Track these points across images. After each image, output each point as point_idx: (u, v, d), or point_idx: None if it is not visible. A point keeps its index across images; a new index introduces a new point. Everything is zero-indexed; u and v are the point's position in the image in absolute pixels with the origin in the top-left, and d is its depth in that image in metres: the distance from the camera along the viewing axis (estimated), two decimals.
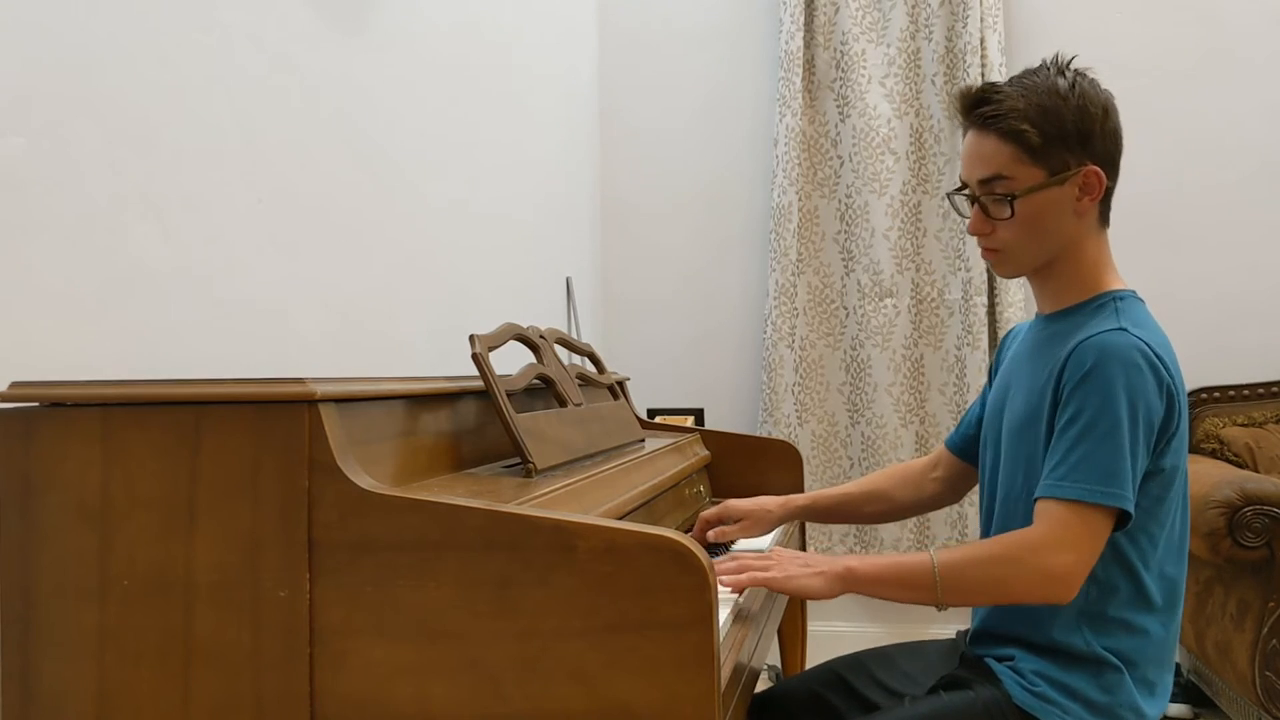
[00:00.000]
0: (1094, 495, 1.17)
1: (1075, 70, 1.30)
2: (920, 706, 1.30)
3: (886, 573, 1.22)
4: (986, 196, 1.30)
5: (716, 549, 1.57)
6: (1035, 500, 1.22)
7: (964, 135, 1.34)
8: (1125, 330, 1.21)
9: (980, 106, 1.29)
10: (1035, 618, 1.27)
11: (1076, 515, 1.17)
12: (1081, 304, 1.32)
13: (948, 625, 3.13)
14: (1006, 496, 1.35)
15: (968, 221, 1.34)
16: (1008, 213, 1.28)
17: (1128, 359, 1.19)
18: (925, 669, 1.45)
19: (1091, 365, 1.19)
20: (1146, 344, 1.20)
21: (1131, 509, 1.18)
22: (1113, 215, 1.40)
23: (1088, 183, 1.28)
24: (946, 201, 3.11)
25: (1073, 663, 1.24)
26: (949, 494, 1.60)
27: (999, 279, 3.05)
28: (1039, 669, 1.25)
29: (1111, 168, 1.31)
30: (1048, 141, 1.26)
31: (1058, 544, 1.17)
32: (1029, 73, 1.30)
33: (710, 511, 1.59)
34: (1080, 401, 1.20)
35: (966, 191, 1.33)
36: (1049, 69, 1.30)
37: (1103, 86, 1.31)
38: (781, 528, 1.77)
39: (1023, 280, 3.04)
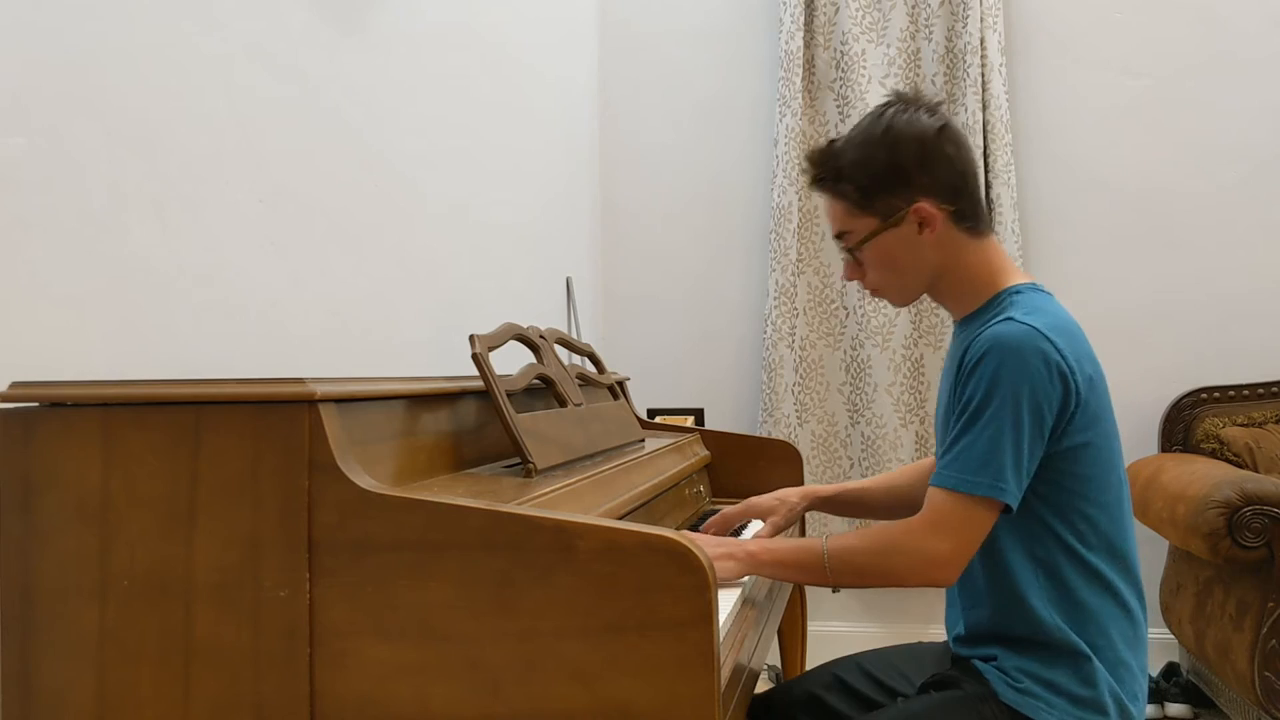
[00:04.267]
0: (966, 485, 1.20)
1: (895, 108, 1.34)
2: (911, 705, 1.32)
3: (782, 556, 1.28)
4: (843, 250, 1.40)
5: None
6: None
7: None
8: (1013, 319, 1.24)
9: (811, 169, 1.38)
10: (1011, 614, 1.29)
11: (954, 503, 1.21)
12: (982, 307, 1.36)
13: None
14: None
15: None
16: (857, 261, 1.38)
17: (1012, 347, 1.21)
18: (920, 670, 1.46)
19: (979, 357, 1.23)
20: (1035, 328, 1.22)
21: (1008, 499, 1.20)
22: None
23: (922, 218, 1.32)
24: None
25: (1053, 656, 1.26)
26: None
27: None
28: (1022, 666, 1.27)
29: (950, 192, 1.33)
30: (866, 193, 1.33)
31: (934, 530, 1.21)
32: (860, 122, 1.37)
33: (733, 509, 1.61)
34: (969, 393, 1.24)
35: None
36: (872, 117, 1.35)
37: (926, 118, 1.33)
38: None
39: None
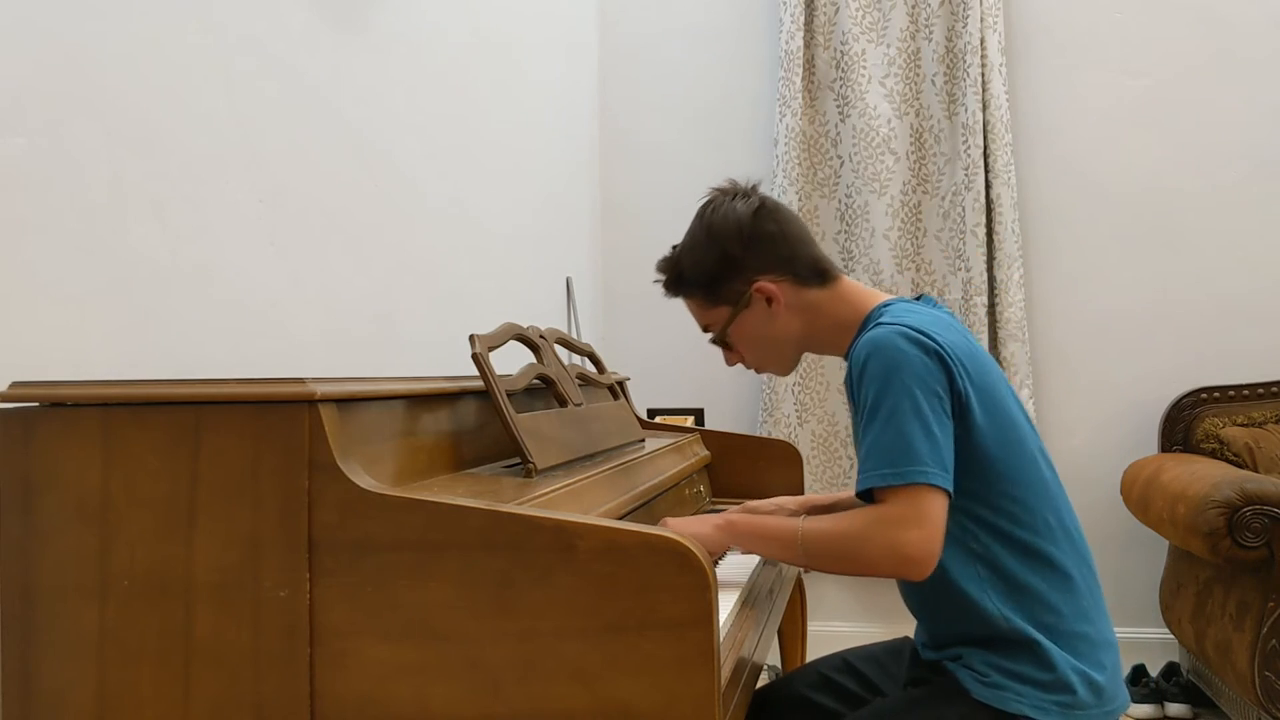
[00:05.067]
0: (889, 478, 1.21)
1: (712, 205, 1.44)
2: (890, 703, 1.34)
3: (760, 530, 1.32)
4: (713, 341, 1.49)
5: None
6: (858, 492, 1.26)
7: None
8: (879, 324, 1.29)
9: (661, 279, 1.48)
10: (963, 617, 1.29)
11: (892, 496, 1.21)
12: (856, 335, 1.40)
13: None
14: None
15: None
16: (730, 347, 1.47)
17: (885, 343, 1.25)
18: (903, 666, 1.48)
19: (860, 364, 1.27)
20: (900, 324, 1.26)
21: (935, 480, 1.20)
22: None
23: (766, 295, 1.41)
24: (946, 202, 3.11)
25: (1009, 647, 1.26)
26: None
27: (1000, 279, 3.05)
28: (987, 660, 1.28)
29: (782, 264, 1.41)
30: (709, 289, 1.43)
31: (903, 521, 1.20)
32: (689, 227, 1.46)
33: (732, 511, 1.61)
34: (861, 398, 1.27)
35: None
36: (697, 216, 1.45)
37: (740, 206, 1.42)
38: None
39: (1022, 281, 3.05)
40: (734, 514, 1.35)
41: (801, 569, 1.30)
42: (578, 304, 2.99)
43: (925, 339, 1.24)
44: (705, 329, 1.48)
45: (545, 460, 1.27)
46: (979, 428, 1.26)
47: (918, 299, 1.42)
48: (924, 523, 1.20)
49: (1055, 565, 1.28)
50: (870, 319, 1.37)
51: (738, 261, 1.40)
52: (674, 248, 1.48)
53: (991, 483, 1.27)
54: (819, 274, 1.42)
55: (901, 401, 1.22)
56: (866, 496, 1.25)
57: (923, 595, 1.35)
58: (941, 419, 1.23)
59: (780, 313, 1.41)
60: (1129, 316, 3.09)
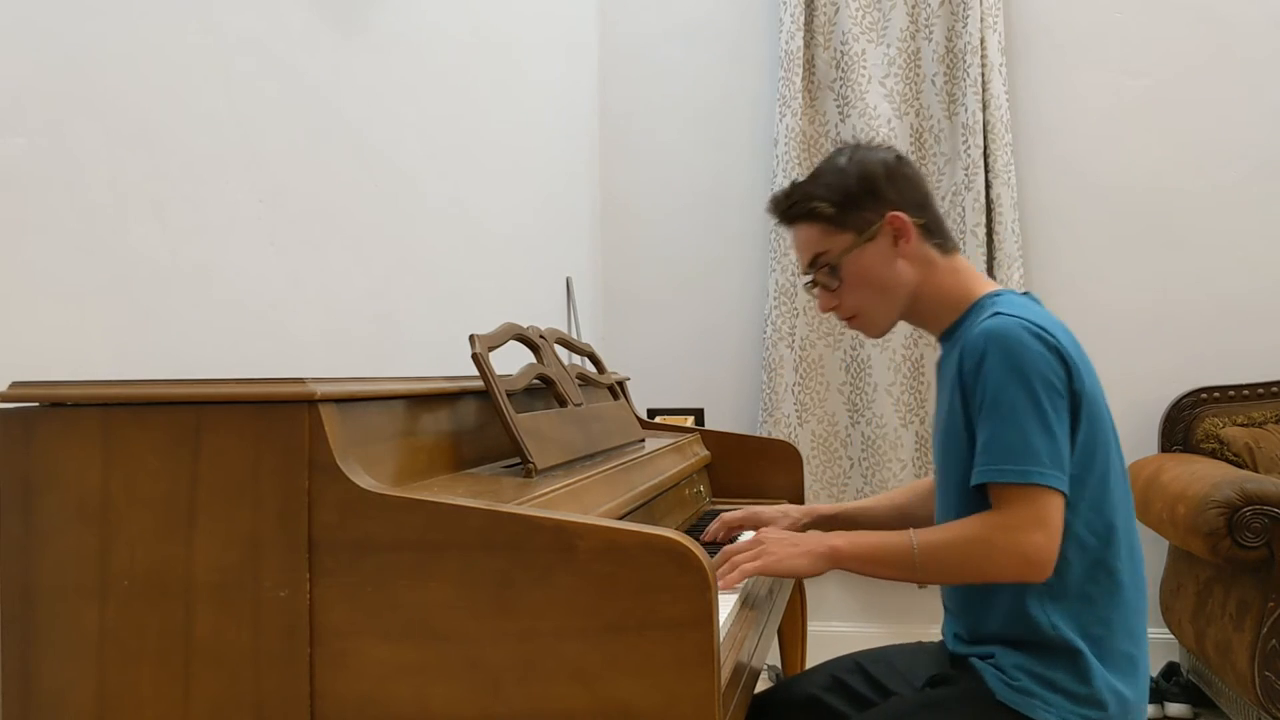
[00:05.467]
0: (1005, 474, 1.21)
1: (854, 145, 1.44)
2: (908, 703, 1.32)
3: (870, 551, 1.28)
4: (819, 275, 1.43)
5: (713, 545, 1.57)
6: (972, 487, 1.26)
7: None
8: (1000, 314, 1.27)
9: (783, 202, 1.44)
10: (1007, 616, 1.29)
11: (1014, 495, 1.21)
12: (962, 316, 1.39)
13: None
14: (944, 514, 1.38)
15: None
16: (838, 280, 1.41)
17: (1005, 337, 1.24)
18: (919, 670, 1.46)
19: (979, 356, 1.25)
20: (1019, 317, 1.25)
21: (1050, 482, 1.20)
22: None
23: (895, 228, 1.38)
24: (946, 202, 3.11)
25: (1048, 653, 1.26)
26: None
27: (1000, 279, 3.05)
28: (1019, 663, 1.27)
29: (917, 208, 1.39)
30: (841, 208, 1.38)
31: (1026, 524, 1.21)
32: (817, 165, 1.45)
33: (734, 515, 1.62)
34: (979, 392, 1.25)
35: (809, 281, 1.46)
36: (833, 155, 1.44)
37: (882, 152, 1.42)
38: None
39: (1022, 281, 3.05)
40: (837, 538, 1.29)
41: (917, 584, 1.28)
42: (578, 304, 2.99)
43: (1048, 335, 1.24)
44: (813, 262, 1.42)
45: (545, 460, 1.27)
46: (1080, 431, 1.25)
47: (1024, 294, 1.40)
48: (1045, 525, 1.20)
49: (1115, 579, 1.27)
50: (981, 306, 1.36)
51: (878, 189, 1.37)
52: (790, 184, 1.44)
53: (1077, 487, 1.26)
54: (943, 236, 1.41)
55: (1023, 397, 1.21)
56: (979, 491, 1.25)
57: (968, 587, 1.34)
58: (1061, 416, 1.23)
59: (903, 253, 1.38)
60: (1129, 316, 3.09)
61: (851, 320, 1.43)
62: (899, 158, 1.41)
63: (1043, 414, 1.21)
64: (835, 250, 1.39)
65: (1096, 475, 1.27)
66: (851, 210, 1.38)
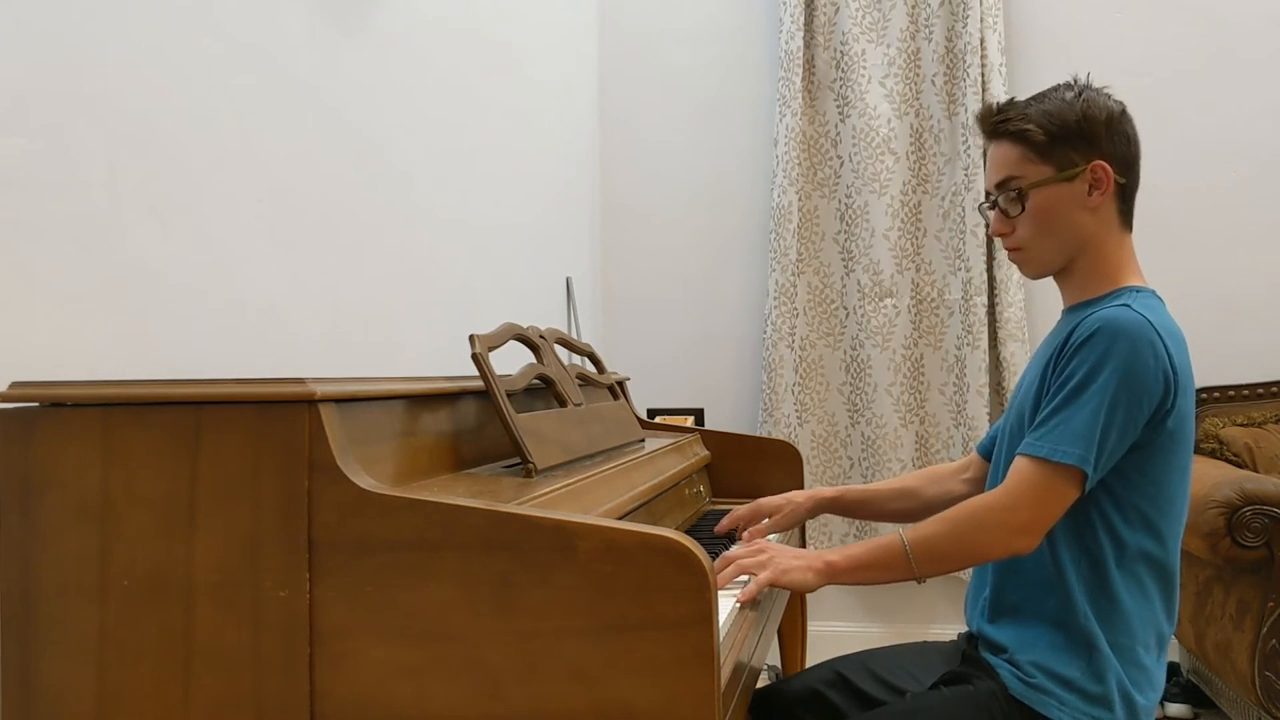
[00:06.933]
0: (1058, 454, 1.21)
1: (1084, 84, 1.39)
2: (919, 701, 1.32)
3: (863, 559, 1.28)
4: (1003, 198, 1.38)
5: (714, 545, 1.57)
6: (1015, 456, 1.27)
7: (984, 154, 1.43)
8: (1129, 307, 1.25)
9: (994, 115, 1.39)
10: (1043, 587, 1.29)
11: (1040, 471, 1.22)
12: (1100, 297, 1.36)
13: (948, 625, 3.14)
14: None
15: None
16: (1020, 208, 1.36)
17: (1125, 332, 1.22)
18: (927, 668, 1.46)
19: (1088, 335, 1.24)
20: (1149, 320, 1.24)
21: (1090, 471, 1.21)
22: None
23: (1096, 178, 1.33)
24: (946, 202, 3.11)
25: (1068, 650, 1.26)
26: (976, 495, 1.62)
27: (999, 279, 3.05)
28: (1035, 660, 1.27)
29: (1124, 167, 1.36)
30: (1052, 140, 1.33)
31: (1016, 498, 1.23)
32: (1044, 91, 1.39)
33: (742, 509, 1.63)
34: (1072, 368, 1.24)
35: (989, 200, 1.41)
36: (1061, 86, 1.38)
37: (1114, 98, 1.38)
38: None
39: (1023, 281, 3.05)
40: (832, 553, 1.29)
41: (917, 581, 1.29)
42: (578, 304, 2.99)
43: (1163, 349, 1.23)
44: (1002, 184, 1.37)
45: (545, 460, 1.27)
46: (1156, 447, 1.25)
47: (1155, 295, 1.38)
48: (1044, 502, 1.21)
49: (1151, 598, 1.27)
50: (1119, 294, 1.34)
51: (1094, 134, 1.33)
52: (1008, 100, 1.41)
53: (1136, 500, 1.26)
54: (1130, 207, 1.38)
55: (1106, 391, 1.21)
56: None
57: (1009, 560, 1.33)
58: (1127, 427, 1.22)
59: (1092, 207, 1.34)
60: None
61: (1015, 253, 1.40)
62: (1124, 111, 1.38)
63: (1114, 416, 1.21)
64: (1030, 178, 1.35)
65: (1164, 494, 1.27)
66: (1062, 145, 1.33)
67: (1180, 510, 1.29)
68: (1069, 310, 1.41)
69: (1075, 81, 1.39)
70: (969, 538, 1.24)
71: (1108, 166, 1.33)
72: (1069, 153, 1.34)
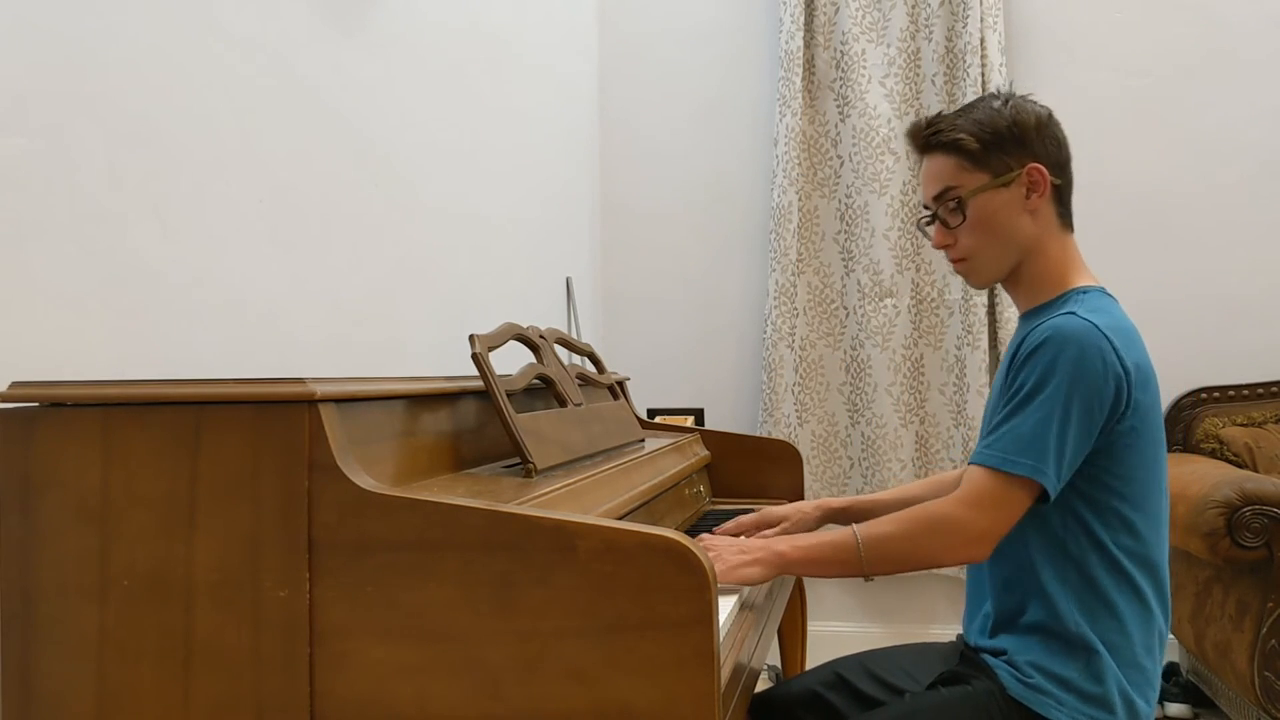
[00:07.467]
0: (1007, 464, 1.22)
1: (1009, 93, 1.42)
2: (918, 701, 1.32)
3: (813, 553, 1.28)
4: (942, 210, 1.40)
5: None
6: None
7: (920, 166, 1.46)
8: (1074, 314, 1.27)
9: (925, 128, 1.41)
10: (1033, 601, 1.29)
11: (993, 481, 1.23)
12: (1050, 301, 1.38)
13: (948, 626, 3.14)
14: None
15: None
16: (960, 218, 1.38)
17: (1072, 340, 1.23)
18: (926, 668, 1.46)
19: (1036, 345, 1.25)
20: (1096, 325, 1.25)
21: (1046, 483, 1.22)
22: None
23: (1033, 180, 1.36)
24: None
25: (1065, 653, 1.26)
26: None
27: None
28: (1033, 660, 1.27)
29: (1057, 169, 1.38)
30: (986, 147, 1.36)
31: (970, 507, 1.23)
32: (969, 103, 1.43)
33: (748, 517, 1.61)
34: (1021, 378, 1.26)
35: (928, 215, 1.43)
36: (986, 96, 1.42)
37: (1040, 104, 1.41)
38: None
39: None
40: (780, 542, 1.29)
41: (864, 579, 1.29)
42: (578, 304, 2.99)
43: (1112, 353, 1.24)
44: (940, 195, 1.40)
45: (545, 460, 1.27)
46: (1121, 445, 1.26)
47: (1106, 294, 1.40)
48: (998, 510, 1.22)
49: (1142, 596, 1.28)
50: (1067, 297, 1.35)
51: (1027, 138, 1.36)
52: (936, 114, 1.43)
53: (1110, 499, 1.27)
54: (1068, 209, 1.40)
55: (1056, 399, 1.22)
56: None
57: (1001, 572, 1.34)
58: (1083, 434, 1.23)
59: (1031, 210, 1.36)
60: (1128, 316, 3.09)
61: (960, 263, 1.41)
62: (1051, 115, 1.40)
63: (1067, 423, 1.22)
64: (967, 187, 1.37)
65: (1139, 492, 1.28)
66: (995, 151, 1.36)
67: (1157, 503, 1.30)
68: (1023, 317, 1.43)
69: (999, 91, 1.42)
70: (923, 543, 1.25)
71: (1043, 169, 1.36)
72: (1003, 158, 1.36)
